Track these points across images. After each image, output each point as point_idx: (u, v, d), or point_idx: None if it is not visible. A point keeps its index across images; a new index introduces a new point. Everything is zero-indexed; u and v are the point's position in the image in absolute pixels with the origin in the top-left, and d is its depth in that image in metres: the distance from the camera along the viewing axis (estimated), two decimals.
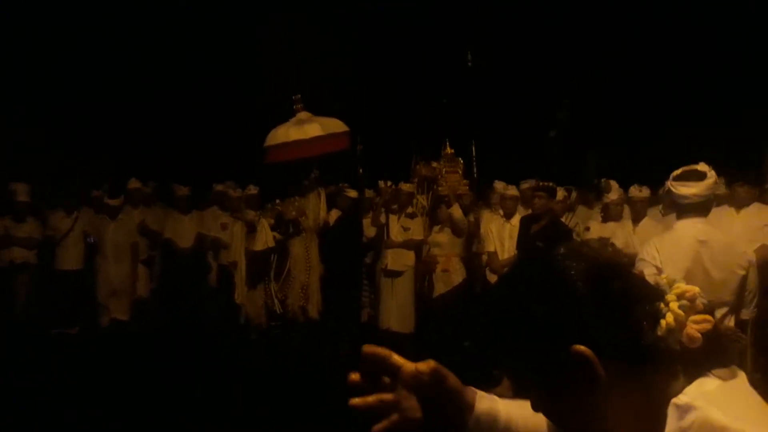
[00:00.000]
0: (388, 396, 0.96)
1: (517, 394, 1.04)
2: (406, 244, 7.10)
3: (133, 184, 7.94)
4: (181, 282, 8.15)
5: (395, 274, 7.10)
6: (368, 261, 7.69)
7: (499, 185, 6.81)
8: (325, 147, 6.13)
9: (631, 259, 3.67)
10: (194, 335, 7.56)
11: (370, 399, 0.97)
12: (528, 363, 0.90)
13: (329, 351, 6.63)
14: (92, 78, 10.01)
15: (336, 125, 6.29)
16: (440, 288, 6.47)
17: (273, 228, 6.60)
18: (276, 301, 6.45)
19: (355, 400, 0.97)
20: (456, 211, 6.60)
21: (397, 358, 0.97)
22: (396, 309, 7.04)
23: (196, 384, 5.90)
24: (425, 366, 0.97)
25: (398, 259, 7.10)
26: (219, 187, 8.45)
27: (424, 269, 6.59)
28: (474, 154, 7.07)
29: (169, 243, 8.23)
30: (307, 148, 6.04)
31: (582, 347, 0.83)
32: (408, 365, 0.97)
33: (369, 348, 0.98)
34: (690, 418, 0.80)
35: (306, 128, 6.12)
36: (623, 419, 0.84)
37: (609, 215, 6.48)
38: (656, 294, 0.89)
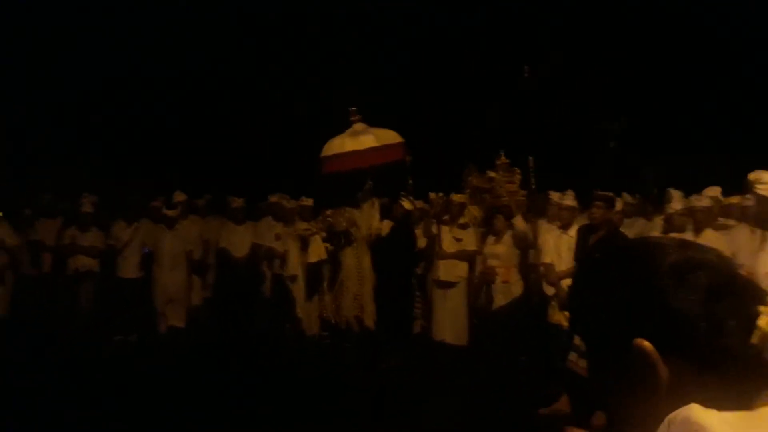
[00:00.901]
0: None
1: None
2: (459, 255, 6.95)
3: (179, 197, 8.02)
4: (236, 291, 8.19)
5: (447, 285, 6.96)
6: (419, 271, 7.54)
7: (555, 195, 6.57)
8: (380, 158, 6.09)
9: None
10: (247, 343, 7.56)
11: None
12: (602, 364, 0.85)
13: (381, 362, 6.53)
14: (155, 95, 10.26)
15: (391, 136, 6.25)
16: (500, 300, 6.28)
17: (325, 240, 6.58)
18: (330, 311, 6.40)
19: None
20: (519, 222, 6.41)
21: None
22: (449, 321, 6.88)
23: (248, 391, 5.86)
24: None
25: (450, 270, 6.96)
26: (273, 198, 8.45)
27: (482, 281, 6.39)
28: (532, 164, 6.85)
29: (224, 253, 8.29)
30: (363, 159, 6.01)
31: (644, 341, 0.77)
32: None
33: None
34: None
35: (361, 139, 6.09)
36: None
37: (672, 226, 6.17)
38: (754, 294, 0.80)
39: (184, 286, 7.96)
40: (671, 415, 0.75)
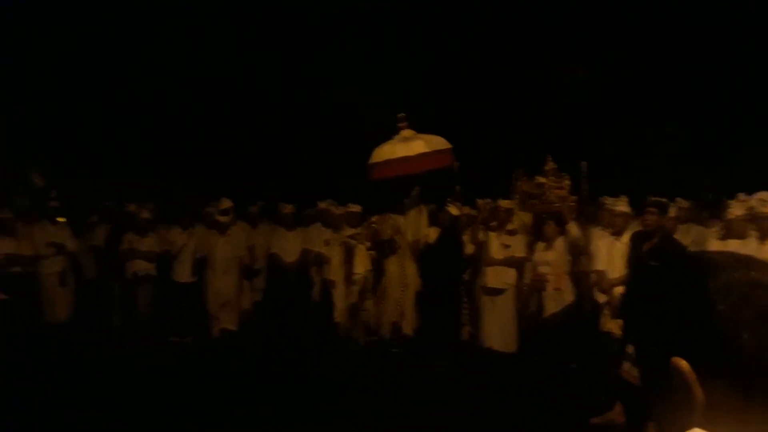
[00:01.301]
0: None
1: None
2: (507, 262, 6.87)
3: (225, 203, 8.19)
4: (286, 295, 8.27)
5: (496, 292, 6.89)
6: (467, 278, 7.47)
7: (608, 201, 6.41)
8: (430, 163, 6.09)
9: None
10: (295, 347, 7.61)
11: None
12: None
13: (427, 368, 6.50)
14: (210, 103, 10.52)
15: (440, 142, 6.24)
16: (551, 307, 6.15)
17: (369, 248, 6.59)
18: (371, 317, 6.41)
19: None
20: (573, 228, 6.28)
21: None
22: (497, 328, 6.81)
23: (294, 393, 5.91)
24: None
25: (498, 277, 6.88)
26: (322, 205, 8.53)
27: (533, 288, 6.28)
28: (585, 169, 6.71)
29: (275, 258, 8.40)
30: (413, 165, 6.03)
31: (681, 361, 0.75)
32: None
33: None
34: None
35: (412, 145, 6.10)
36: None
37: (732, 232, 5.92)
38: None
39: (235, 290, 8.10)
40: None
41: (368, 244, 6.65)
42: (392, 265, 6.52)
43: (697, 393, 0.75)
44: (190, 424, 5.04)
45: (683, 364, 0.75)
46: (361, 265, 6.50)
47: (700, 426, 0.74)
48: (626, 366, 5.28)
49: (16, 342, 5.89)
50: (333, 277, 7.01)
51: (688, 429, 0.75)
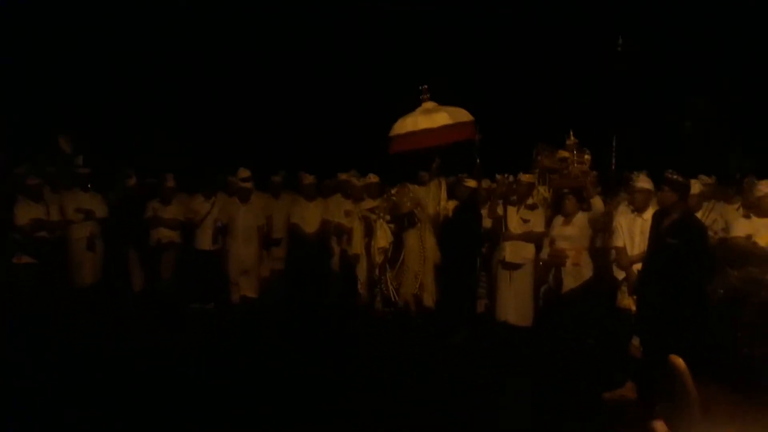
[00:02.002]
0: None
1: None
2: (526, 237, 6.81)
3: (245, 173, 8.17)
4: (306, 264, 8.32)
5: (514, 267, 6.85)
6: (485, 252, 7.41)
7: (636, 177, 6.25)
8: (452, 136, 6.02)
9: None
10: (315, 315, 7.68)
11: None
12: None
13: (444, 339, 6.50)
14: (231, 73, 10.48)
15: (462, 114, 6.13)
16: (570, 283, 6.08)
17: (388, 222, 6.57)
18: (391, 288, 6.41)
19: None
20: (597, 202, 6.17)
21: None
22: (513, 302, 6.80)
23: (314, 360, 5.97)
24: None
25: (517, 252, 6.84)
26: (343, 176, 8.54)
27: (552, 263, 6.21)
28: (614, 144, 6.57)
29: (296, 228, 8.42)
30: (435, 137, 5.96)
31: (678, 359, 0.74)
32: None
33: None
34: None
35: (434, 117, 6.01)
36: None
37: (760, 210, 5.74)
38: None
39: (256, 258, 8.14)
40: None
41: (388, 216, 6.62)
42: (412, 238, 6.49)
43: (692, 391, 0.73)
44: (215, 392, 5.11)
45: (680, 362, 0.74)
46: (384, 239, 6.49)
47: (700, 423, 0.71)
48: (636, 342, 5.22)
49: (18, 341, 5.98)
50: (356, 250, 7.01)
51: (688, 424, 0.71)
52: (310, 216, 8.38)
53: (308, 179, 8.50)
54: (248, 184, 8.08)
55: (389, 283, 6.28)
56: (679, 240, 4.62)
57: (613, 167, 6.96)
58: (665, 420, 0.79)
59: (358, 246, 6.76)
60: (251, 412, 4.67)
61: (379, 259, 6.38)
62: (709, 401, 0.72)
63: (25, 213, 7.18)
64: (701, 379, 0.73)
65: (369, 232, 6.55)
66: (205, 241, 8.02)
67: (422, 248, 6.32)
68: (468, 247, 6.84)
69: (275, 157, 9.61)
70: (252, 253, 8.08)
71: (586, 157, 6.76)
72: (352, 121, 10.17)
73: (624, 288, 5.76)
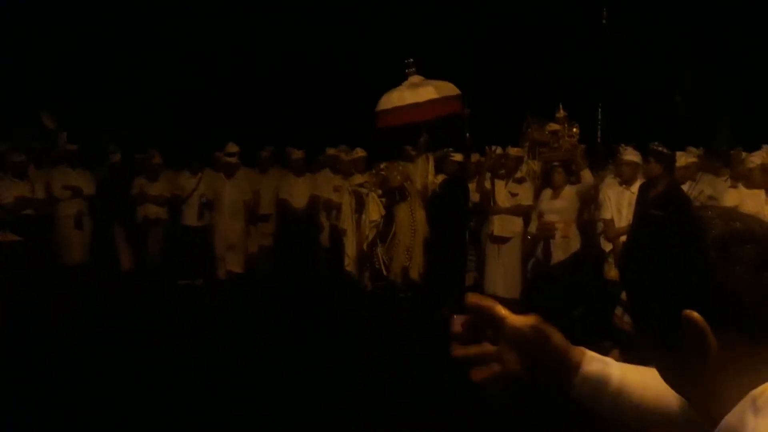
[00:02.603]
0: (490, 348, 0.98)
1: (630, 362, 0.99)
2: (514, 210, 6.77)
3: (231, 147, 8.05)
4: (294, 240, 8.29)
5: (502, 240, 6.81)
6: (473, 226, 7.38)
7: (623, 150, 6.22)
8: (439, 110, 5.94)
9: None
10: (304, 290, 7.68)
11: (472, 350, 0.98)
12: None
13: (433, 311, 6.49)
14: (215, 47, 10.30)
15: (449, 88, 6.05)
16: (559, 255, 6.09)
17: (380, 196, 6.50)
18: (382, 262, 6.37)
19: (457, 350, 0.98)
20: (587, 174, 6.14)
21: (501, 310, 0.98)
22: (502, 275, 6.77)
23: (303, 336, 5.93)
24: (528, 320, 0.97)
25: (505, 226, 6.80)
26: (331, 151, 8.44)
27: (540, 236, 6.19)
28: (599, 116, 6.52)
29: (284, 203, 8.36)
30: (422, 112, 5.88)
31: (693, 313, 0.76)
32: (511, 318, 0.97)
33: (474, 297, 0.99)
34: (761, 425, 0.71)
35: (420, 91, 5.92)
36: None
37: (752, 183, 5.73)
38: None
39: (242, 234, 8.11)
40: (756, 391, 0.74)
41: (378, 191, 6.55)
42: (402, 212, 6.42)
43: (711, 343, 0.75)
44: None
45: (695, 315, 0.76)
46: (376, 212, 6.43)
47: (713, 375, 0.76)
48: (618, 311, 5.24)
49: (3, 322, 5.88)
50: (344, 225, 6.94)
51: (701, 379, 0.77)
52: (298, 191, 8.33)
53: (296, 154, 8.42)
54: (233, 159, 7.99)
55: (381, 257, 6.24)
56: (664, 211, 4.61)
57: (600, 140, 6.94)
58: (672, 384, 0.85)
59: (346, 221, 6.68)
60: (240, 407, 4.60)
61: (370, 233, 6.33)
62: (728, 351, 0.78)
63: (9, 191, 7.05)
64: (716, 331, 0.77)
65: (359, 208, 6.47)
66: (191, 216, 7.96)
67: (413, 221, 6.26)
68: (456, 221, 6.76)
69: (263, 132, 9.51)
70: (238, 229, 8.03)
71: (575, 130, 6.73)
72: (339, 95, 10.04)
73: (611, 260, 5.77)
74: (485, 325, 0.98)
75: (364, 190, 6.48)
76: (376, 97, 6.36)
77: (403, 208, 6.24)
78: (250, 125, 9.84)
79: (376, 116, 6.27)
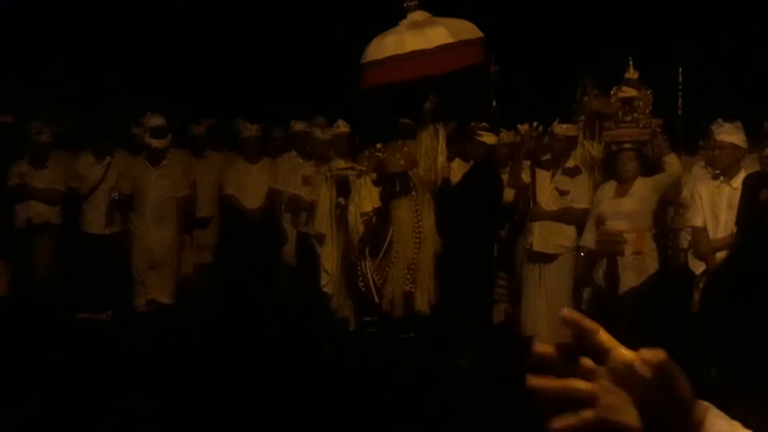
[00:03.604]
0: (583, 384, 0.97)
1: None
2: (563, 215, 6.85)
3: (157, 120, 8.00)
4: (246, 255, 8.29)
5: (546, 258, 6.89)
6: (504, 237, 7.49)
7: (718, 127, 6.26)
8: (454, 61, 5.94)
9: None
10: (261, 328, 7.68)
11: (556, 384, 0.98)
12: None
13: (446, 362, 6.50)
14: None
15: (468, 29, 6.10)
16: (630, 279, 6.11)
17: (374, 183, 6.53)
18: (372, 286, 6.38)
19: (535, 381, 0.98)
20: (674, 161, 6.16)
21: (606, 337, 0.99)
22: (546, 308, 6.82)
23: (262, 391, 5.98)
24: (652, 356, 0.96)
25: (550, 237, 6.88)
26: (299, 126, 8.46)
27: (602, 251, 6.23)
28: (680, 80, 6.56)
29: (231, 202, 8.36)
30: (429, 63, 5.87)
31: None
32: (623, 351, 0.98)
33: (570, 313, 0.98)
34: None
35: (428, 33, 5.96)
36: None
37: None
38: None
39: (173, 247, 8.09)
40: None
41: (373, 176, 6.59)
42: (402, 211, 6.45)
43: None
44: None
45: None
46: (369, 201, 6.46)
47: None
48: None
49: None
50: (320, 228, 6.96)
51: None
52: (251, 184, 8.38)
53: (249, 130, 8.44)
54: (162, 141, 7.94)
55: (370, 277, 6.24)
56: None
57: (681, 112, 7.00)
58: None
59: (323, 222, 6.67)
60: None
61: (359, 233, 6.32)
62: None
63: None
64: None
65: (345, 199, 6.47)
66: (96, 221, 7.97)
67: (417, 226, 6.27)
68: (481, 229, 6.85)
69: (199, 98, 9.51)
70: (166, 239, 8.02)
71: (648, 99, 6.76)
72: (309, 45, 10.06)
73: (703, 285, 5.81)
74: (582, 354, 1.00)
75: (353, 173, 6.50)
76: (361, 46, 6.37)
77: (404, 205, 6.28)
78: (181, 87, 9.84)
79: (362, 71, 6.28)
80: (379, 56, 5.97)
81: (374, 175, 6.50)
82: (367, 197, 6.40)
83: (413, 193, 6.43)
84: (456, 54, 5.94)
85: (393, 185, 6.37)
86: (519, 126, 7.52)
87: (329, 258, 6.57)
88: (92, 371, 6.43)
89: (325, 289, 6.60)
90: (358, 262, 6.36)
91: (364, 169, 6.54)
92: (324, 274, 6.60)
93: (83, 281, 7.89)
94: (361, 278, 6.38)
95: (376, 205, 6.39)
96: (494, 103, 6.87)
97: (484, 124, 7.08)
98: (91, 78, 10.38)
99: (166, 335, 7.50)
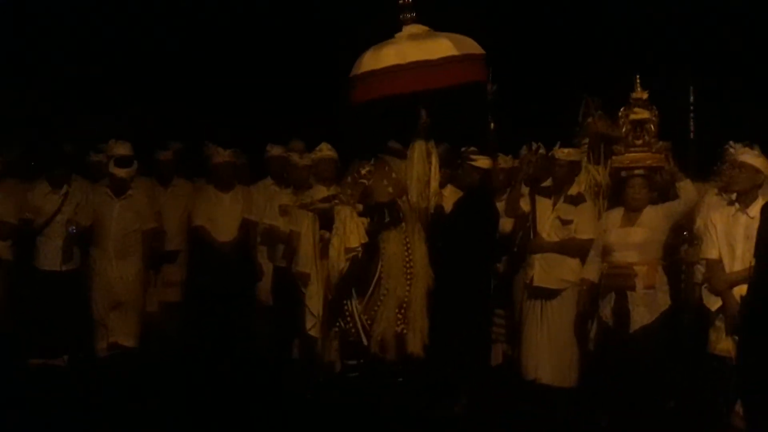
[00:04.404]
0: None
1: None
2: (566, 247, 6.84)
3: (122, 148, 8.00)
4: (217, 293, 8.25)
5: (548, 294, 6.87)
6: (501, 270, 7.49)
7: (734, 150, 6.30)
8: (458, 75, 5.97)
9: None
10: (234, 374, 7.67)
11: None
12: None
13: (438, 409, 6.49)
14: None
15: (470, 44, 6.11)
16: (642, 316, 6.06)
17: (358, 213, 6.53)
18: (360, 327, 6.38)
19: None
20: (688, 188, 6.13)
21: None
22: (549, 350, 6.82)
23: None
24: None
25: (552, 270, 6.87)
26: (275, 151, 8.50)
27: (610, 286, 6.23)
28: (691, 99, 6.62)
29: (200, 234, 8.36)
30: (434, 76, 5.89)
31: None
32: None
33: None
34: None
35: (430, 45, 5.96)
36: None
37: None
38: None
39: (137, 285, 8.08)
40: None
41: (359, 207, 6.59)
42: (393, 244, 6.46)
43: None
44: None
45: None
46: (356, 236, 6.44)
47: None
48: (738, 408, 5.27)
49: None
50: (305, 267, 6.93)
51: None
52: (223, 215, 8.38)
53: (220, 155, 8.44)
54: (127, 171, 7.97)
55: (357, 318, 6.22)
56: None
57: (693, 134, 7.05)
58: None
59: (308, 261, 6.64)
60: None
61: (339, 270, 6.29)
62: None
63: None
64: None
65: (329, 231, 6.45)
66: (51, 256, 7.95)
67: (408, 260, 6.28)
68: (475, 262, 6.85)
69: (166, 122, 9.52)
70: (130, 276, 8.02)
71: (654, 119, 6.81)
72: (285, 63, 10.11)
73: (720, 323, 5.86)
74: None
75: (336, 204, 6.47)
76: (349, 61, 6.39)
77: (393, 237, 6.30)
78: (146, 109, 9.84)
79: (354, 84, 6.29)
80: (377, 66, 5.95)
81: (360, 206, 6.49)
82: (353, 231, 6.37)
83: (403, 225, 6.43)
84: (460, 68, 5.95)
85: (381, 216, 6.38)
86: (524, 149, 7.48)
87: (315, 299, 6.53)
88: (46, 422, 6.38)
89: (310, 333, 6.55)
90: (345, 303, 6.34)
91: (348, 197, 6.52)
92: (309, 316, 6.56)
93: (37, 323, 7.83)
94: (348, 319, 6.36)
95: (363, 240, 6.36)
96: (492, 124, 6.88)
97: (473, 148, 7.11)
98: (45, 100, 10.37)
99: (129, 382, 7.47)
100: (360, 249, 6.31)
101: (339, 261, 6.34)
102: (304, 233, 6.79)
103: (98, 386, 7.39)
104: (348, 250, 6.32)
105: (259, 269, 8.27)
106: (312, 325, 6.55)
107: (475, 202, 6.84)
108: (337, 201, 6.57)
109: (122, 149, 8.03)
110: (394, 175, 6.33)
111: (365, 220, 6.34)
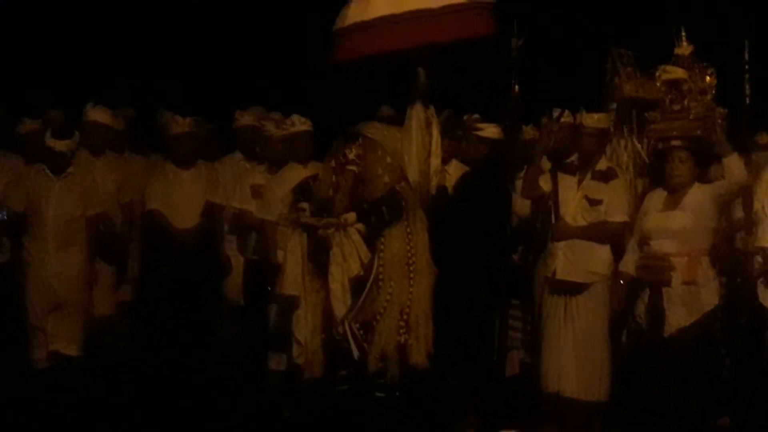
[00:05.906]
0: None
1: None
2: (595, 232, 6.90)
3: (58, 116, 8.03)
4: (178, 290, 8.25)
5: (573, 289, 6.92)
6: (518, 262, 7.55)
7: None
8: (464, 27, 5.95)
9: None
10: (199, 389, 7.73)
11: None
12: None
13: (445, 426, 6.51)
14: None
15: None
16: (679, 317, 6.11)
17: (347, 207, 6.50)
18: (350, 337, 6.38)
19: None
20: (735, 165, 6.10)
21: None
22: (574, 357, 6.87)
23: None
24: None
25: (579, 261, 6.93)
26: (246, 119, 8.49)
27: (645, 280, 6.25)
28: (746, 57, 6.63)
29: (155, 219, 8.36)
30: (435, 28, 5.87)
31: None
32: None
33: None
34: None
35: None
36: None
37: None
38: None
39: (81, 282, 8.02)
40: None
41: (345, 200, 6.55)
42: (395, 242, 6.45)
43: None
44: None
45: None
46: (356, 261, 6.40)
47: None
48: None
49: None
50: (292, 290, 6.89)
51: None
52: (182, 197, 8.39)
53: (179, 125, 8.43)
54: (66, 143, 7.88)
55: (347, 327, 6.22)
56: None
57: (749, 101, 7.06)
58: None
59: (295, 282, 6.61)
60: None
61: (346, 305, 6.30)
62: None
63: None
64: None
65: (321, 253, 6.43)
66: None
67: (411, 255, 6.27)
68: (486, 253, 6.94)
69: (114, 84, 9.51)
70: (72, 272, 7.95)
71: (708, 79, 6.80)
72: (256, 16, 10.14)
73: None
74: None
75: (332, 221, 6.41)
76: (334, 12, 6.38)
77: (395, 234, 6.27)
78: (85, 71, 9.90)
79: (338, 40, 6.29)
80: (366, 17, 5.94)
81: (354, 215, 6.42)
82: (352, 254, 6.34)
83: (405, 218, 6.42)
84: (466, 18, 5.95)
85: (380, 215, 6.36)
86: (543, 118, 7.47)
87: (302, 325, 6.52)
88: None
89: (297, 361, 6.56)
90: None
91: (344, 218, 6.45)
92: (296, 344, 6.56)
93: None
94: (338, 329, 6.37)
95: (365, 259, 6.34)
96: (516, 88, 6.88)
97: (476, 115, 7.11)
98: None
99: (72, 398, 7.48)
100: (361, 272, 6.28)
101: (345, 296, 6.32)
102: (290, 251, 6.74)
103: (35, 403, 7.40)
104: (352, 280, 6.29)
105: (226, 262, 8.30)
106: (299, 354, 6.53)
107: (483, 181, 6.86)
108: (333, 229, 6.48)
109: (55, 116, 8.05)
110: (389, 159, 6.30)
111: (361, 227, 6.29)
